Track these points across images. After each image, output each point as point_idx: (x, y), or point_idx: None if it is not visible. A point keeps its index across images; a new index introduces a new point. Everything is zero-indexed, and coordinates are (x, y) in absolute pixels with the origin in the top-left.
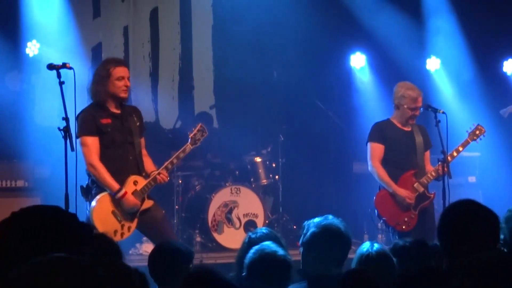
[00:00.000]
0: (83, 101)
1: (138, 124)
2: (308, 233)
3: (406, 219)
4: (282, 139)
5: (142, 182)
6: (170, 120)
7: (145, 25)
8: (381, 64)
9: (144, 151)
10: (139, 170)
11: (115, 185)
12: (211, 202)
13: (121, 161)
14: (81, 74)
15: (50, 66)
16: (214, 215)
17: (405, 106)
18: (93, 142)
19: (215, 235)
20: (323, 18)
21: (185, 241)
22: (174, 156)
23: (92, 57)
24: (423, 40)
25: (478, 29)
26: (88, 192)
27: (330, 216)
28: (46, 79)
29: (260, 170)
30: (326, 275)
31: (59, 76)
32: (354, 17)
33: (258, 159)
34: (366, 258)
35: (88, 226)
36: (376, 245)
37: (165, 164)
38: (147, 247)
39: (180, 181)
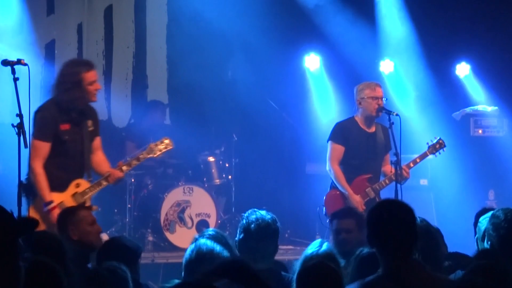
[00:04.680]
0: (37, 98)
1: (91, 129)
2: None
3: None
4: (236, 139)
5: (84, 185)
6: (123, 118)
7: (99, 22)
8: (335, 65)
9: (100, 154)
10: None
11: (48, 197)
12: (163, 201)
13: (69, 172)
14: (34, 71)
15: (5, 62)
16: (166, 215)
17: (366, 97)
18: (43, 147)
19: (167, 234)
20: (278, 19)
21: (137, 240)
22: (126, 162)
23: (45, 54)
24: (377, 43)
25: (431, 32)
26: (30, 191)
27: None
28: None
29: (213, 170)
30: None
31: (13, 72)
32: (309, 18)
33: (211, 159)
34: (311, 259)
35: (30, 220)
36: (325, 245)
37: (120, 166)
38: None
39: (132, 180)
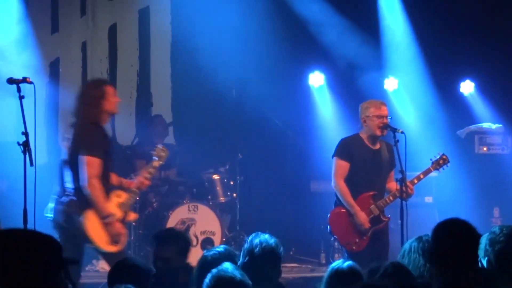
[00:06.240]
0: (42, 116)
1: None
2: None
3: (357, 240)
4: (241, 157)
5: (123, 195)
6: (128, 137)
7: (104, 41)
8: (339, 83)
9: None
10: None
11: (108, 210)
12: (168, 219)
13: (109, 183)
14: (39, 89)
15: (10, 81)
16: None
17: (371, 115)
18: (99, 164)
19: None
20: (282, 37)
21: (142, 258)
22: (147, 170)
23: (49, 72)
24: (382, 60)
25: (436, 50)
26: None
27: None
28: (2, 93)
29: (218, 188)
30: None
31: (19, 90)
32: (314, 36)
33: (216, 177)
34: (336, 272)
35: (72, 260)
36: (348, 262)
37: (143, 174)
38: (104, 264)
39: (137, 198)
